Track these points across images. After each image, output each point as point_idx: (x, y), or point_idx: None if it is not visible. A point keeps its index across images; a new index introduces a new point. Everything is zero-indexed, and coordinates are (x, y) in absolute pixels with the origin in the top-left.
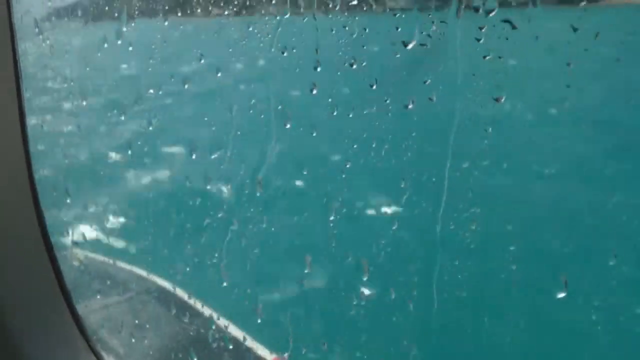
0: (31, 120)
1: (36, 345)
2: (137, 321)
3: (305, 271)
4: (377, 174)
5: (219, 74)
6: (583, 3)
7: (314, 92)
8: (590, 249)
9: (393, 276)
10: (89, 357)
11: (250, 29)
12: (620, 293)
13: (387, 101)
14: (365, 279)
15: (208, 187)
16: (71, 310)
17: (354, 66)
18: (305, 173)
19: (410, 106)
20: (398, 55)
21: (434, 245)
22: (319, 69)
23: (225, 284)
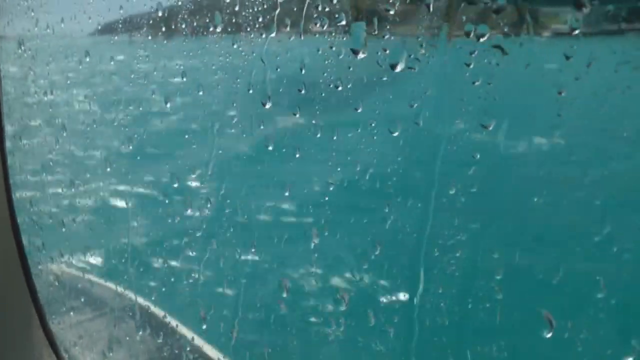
0: (9, 130)
1: None
2: (111, 338)
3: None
4: (362, 196)
5: (200, 92)
6: (576, 32)
7: (297, 115)
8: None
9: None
10: None
11: (235, 46)
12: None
13: (373, 124)
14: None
15: (188, 210)
16: (43, 326)
17: (339, 88)
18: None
19: (395, 133)
20: (385, 78)
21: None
22: (302, 91)
23: (202, 308)
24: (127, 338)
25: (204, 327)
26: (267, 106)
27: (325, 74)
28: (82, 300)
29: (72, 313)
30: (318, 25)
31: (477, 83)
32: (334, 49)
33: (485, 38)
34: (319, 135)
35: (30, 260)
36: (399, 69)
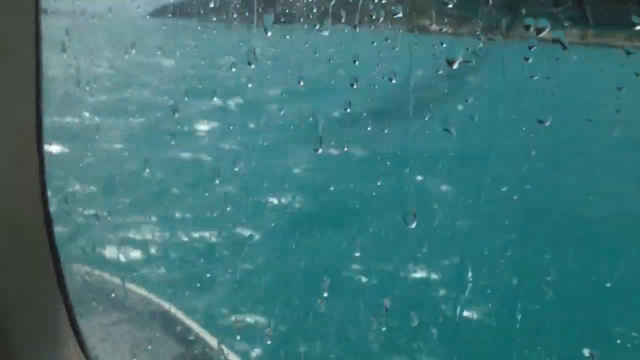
0: (47, 127)
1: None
2: (137, 341)
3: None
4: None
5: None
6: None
7: (348, 110)
8: None
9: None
10: None
11: (288, 37)
12: None
13: (426, 118)
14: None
15: (228, 209)
16: (73, 327)
17: (393, 80)
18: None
19: (451, 129)
20: (440, 72)
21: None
22: (355, 86)
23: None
24: (153, 341)
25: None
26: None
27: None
28: (111, 301)
29: (100, 313)
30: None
31: (535, 78)
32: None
33: (545, 32)
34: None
35: (62, 258)
36: (456, 64)
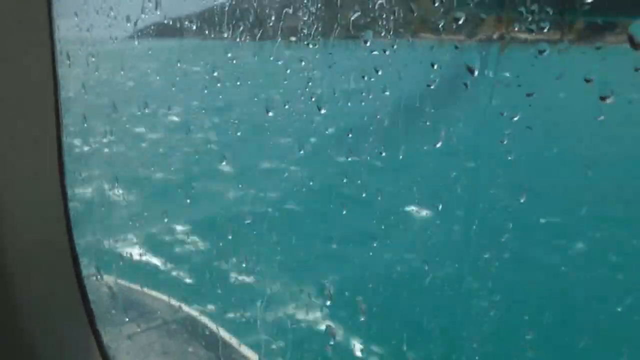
0: (67, 137)
1: None
2: (163, 351)
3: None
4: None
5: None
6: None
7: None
8: None
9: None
10: None
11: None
12: None
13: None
14: None
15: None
16: (96, 338)
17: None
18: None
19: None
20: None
21: None
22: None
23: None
24: (179, 350)
25: None
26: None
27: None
28: (136, 311)
29: (125, 323)
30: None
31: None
32: None
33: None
34: None
35: (84, 266)
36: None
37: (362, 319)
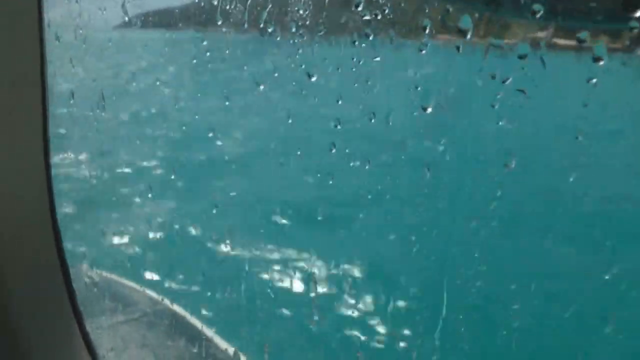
0: (53, 128)
1: None
2: (143, 343)
3: None
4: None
5: None
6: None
7: (372, 120)
8: None
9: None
10: None
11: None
12: None
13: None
14: None
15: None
16: (82, 330)
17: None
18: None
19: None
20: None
21: None
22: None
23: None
24: (162, 344)
25: None
26: None
27: None
28: (117, 302)
29: (108, 316)
30: None
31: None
32: None
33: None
34: None
35: (69, 260)
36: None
37: None
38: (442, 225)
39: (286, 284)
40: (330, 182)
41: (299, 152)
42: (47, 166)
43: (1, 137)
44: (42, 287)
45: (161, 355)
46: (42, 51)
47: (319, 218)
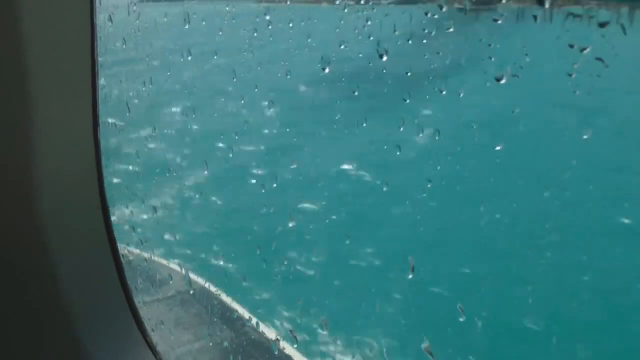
0: (103, 118)
1: (99, 344)
2: (176, 321)
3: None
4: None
5: None
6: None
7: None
8: None
9: None
10: (147, 355)
11: None
12: None
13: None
14: None
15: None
16: (131, 308)
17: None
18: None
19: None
20: None
21: None
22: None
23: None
24: (195, 321)
25: None
26: None
27: None
28: (156, 281)
29: (147, 293)
30: None
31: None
32: None
33: None
34: None
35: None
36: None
37: None
38: None
39: None
40: None
41: None
42: (97, 143)
43: (51, 112)
44: (91, 263)
45: (200, 334)
46: (92, 20)
47: None
